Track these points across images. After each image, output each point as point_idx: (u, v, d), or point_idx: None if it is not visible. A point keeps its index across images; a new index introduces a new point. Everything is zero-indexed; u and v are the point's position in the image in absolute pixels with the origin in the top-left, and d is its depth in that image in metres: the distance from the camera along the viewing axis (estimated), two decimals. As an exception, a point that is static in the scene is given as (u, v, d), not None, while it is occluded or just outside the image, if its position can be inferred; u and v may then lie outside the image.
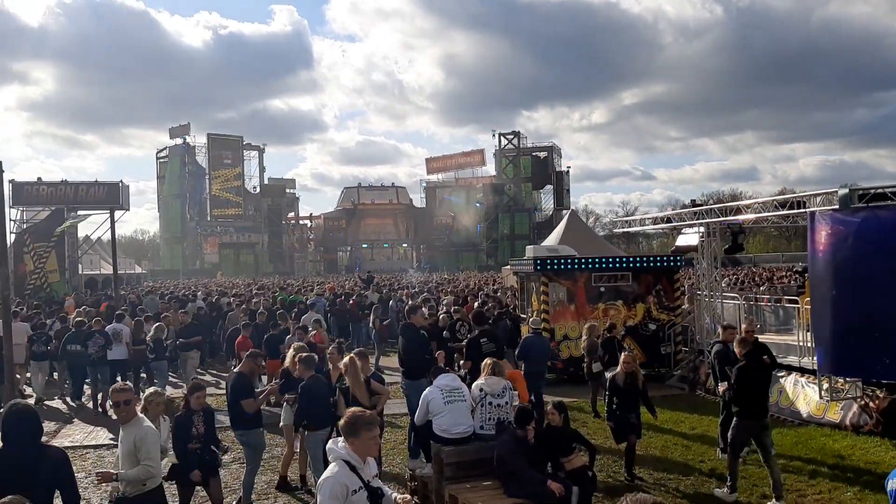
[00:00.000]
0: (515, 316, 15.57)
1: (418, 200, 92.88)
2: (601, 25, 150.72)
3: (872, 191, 9.70)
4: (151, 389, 7.28)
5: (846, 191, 9.84)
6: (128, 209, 29.23)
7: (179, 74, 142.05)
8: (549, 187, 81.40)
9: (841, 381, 10.58)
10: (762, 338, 11.10)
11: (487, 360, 8.03)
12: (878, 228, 9.29)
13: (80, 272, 34.07)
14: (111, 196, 27.38)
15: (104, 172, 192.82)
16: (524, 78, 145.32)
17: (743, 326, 10.54)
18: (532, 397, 10.57)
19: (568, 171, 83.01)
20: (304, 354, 8.34)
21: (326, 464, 4.32)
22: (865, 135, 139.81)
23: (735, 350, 8.31)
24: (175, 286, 38.44)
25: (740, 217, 13.16)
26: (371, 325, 18.79)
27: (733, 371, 7.89)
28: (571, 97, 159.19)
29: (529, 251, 16.64)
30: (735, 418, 7.86)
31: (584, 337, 12.36)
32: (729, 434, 7.94)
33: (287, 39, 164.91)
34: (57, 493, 4.70)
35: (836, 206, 9.83)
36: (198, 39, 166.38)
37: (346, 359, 8.00)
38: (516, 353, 11.93)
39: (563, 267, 14.63)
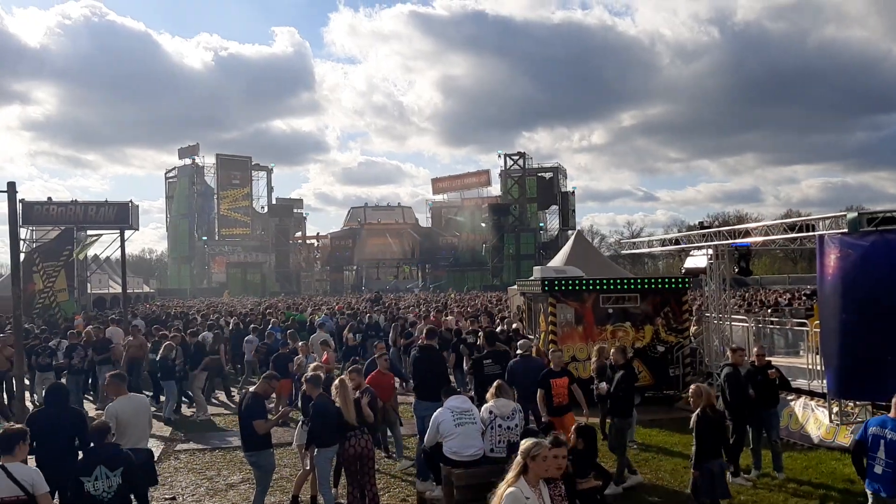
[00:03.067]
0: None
1: (424, 220, 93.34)
2: (598, 48, 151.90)
3: (881, 215, 9.73)
4: (532, 441, 4.64)
5: (855, 214, 9.88)
6: (137, 229, 29.34)
7: (181, 95, 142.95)
8: (555, 207, 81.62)
9: (851, 404, 10.54)
10: (771, 361, 11.07)
11: (495, 383, 8.05)
12: (886, 252, 9.33)
13: (88, 291, 34.21)
14: (121, 216, 27.47)
15: (108, 192, 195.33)
16: (523, 99, 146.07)
17: (754, 350, 10.53)
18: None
19: (573, 192, 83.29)
20: (310, 374, 8.38)
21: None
22: (866, 157, 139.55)
23: (613, 359, 9.82)
24: (186, 306, 38.54)
25: (749, 239, 13.16)
26: (392, 343, 17.82)
27: (615, 379, 9.39)
28: (570, 118, 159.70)
29: (537, 272, 16.59)
30: (615, 417, 9.30)
31: (593, 359, 12.34)
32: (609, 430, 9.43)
33: (288, 61, 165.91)
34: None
35: (845, 230, 9.87)
36: (199, 61, 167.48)
37: (336, 381, 8.06)
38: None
39: (570, 288, 14.63)
